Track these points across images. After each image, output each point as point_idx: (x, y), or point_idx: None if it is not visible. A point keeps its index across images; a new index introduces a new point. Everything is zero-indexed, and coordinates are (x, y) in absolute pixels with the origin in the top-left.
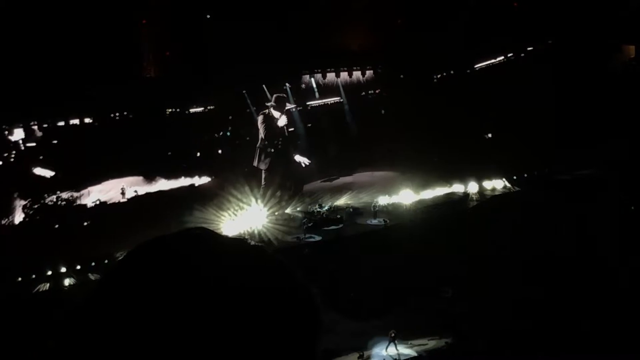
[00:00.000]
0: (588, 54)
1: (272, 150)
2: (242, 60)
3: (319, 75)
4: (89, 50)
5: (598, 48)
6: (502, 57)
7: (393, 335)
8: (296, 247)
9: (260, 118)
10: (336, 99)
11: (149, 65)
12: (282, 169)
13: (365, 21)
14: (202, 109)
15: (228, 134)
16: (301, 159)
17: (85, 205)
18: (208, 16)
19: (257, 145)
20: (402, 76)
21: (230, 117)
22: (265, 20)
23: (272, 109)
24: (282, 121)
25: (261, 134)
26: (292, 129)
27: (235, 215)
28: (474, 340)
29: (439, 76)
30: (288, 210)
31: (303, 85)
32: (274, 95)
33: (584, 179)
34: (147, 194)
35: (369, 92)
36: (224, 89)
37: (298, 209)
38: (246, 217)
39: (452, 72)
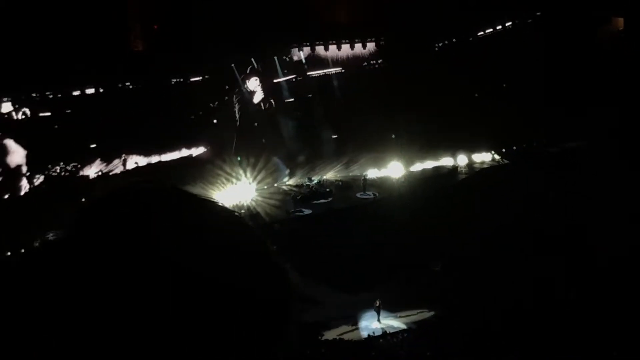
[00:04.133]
0: (578, 26)
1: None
2: (231, 34)
3: (308, 48)
4: (78, 26)
5: (587, 20)
6: (491, 29)
7: (378, 305)
8: (286, 221)
9: (234, 100)
10: (324, 71)
11: (137, 38)
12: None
13: None
14: (189, 81)
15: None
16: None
17: (87, 175)
18: None
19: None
20: (390, 49)
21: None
22: None
23: (247, 83)
24: (257, 97)
25: (237, 118)
26: (270, 101)
27: (229, 185)
28: (462, 313)
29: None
30: (278, 184)
31: (295, 57)
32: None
33: (573, 151)
34: (148, 165)
35: (362, 64)
36: (212, 63)
37: (288, 182)
38: (236, 190)
39: (438, 45)
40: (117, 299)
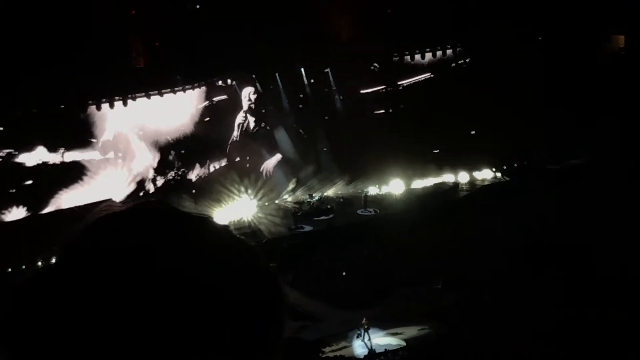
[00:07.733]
0: (578, 43)
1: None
2: (232, 52)
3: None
4: (78, 41)
5: (588, 37)
6: (492, 45)
7: (364, 322)
8: (287, 237)
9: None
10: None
11: (139, 55)
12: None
13: (354, 11)
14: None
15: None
16: None
17: (191, 179)
18: (198, 6)
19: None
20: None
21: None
22: (255, 12)
23: (241, 93)
24: (239, 118)
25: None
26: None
27: (231, 201)
28: (462, 330)
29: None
30: (278, 201)
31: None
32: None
33: (573, 168)
34: (220, 167)
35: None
36: (213, 80)
37: (289, 199)
38: (238, 206)
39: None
40: (125, 307)
